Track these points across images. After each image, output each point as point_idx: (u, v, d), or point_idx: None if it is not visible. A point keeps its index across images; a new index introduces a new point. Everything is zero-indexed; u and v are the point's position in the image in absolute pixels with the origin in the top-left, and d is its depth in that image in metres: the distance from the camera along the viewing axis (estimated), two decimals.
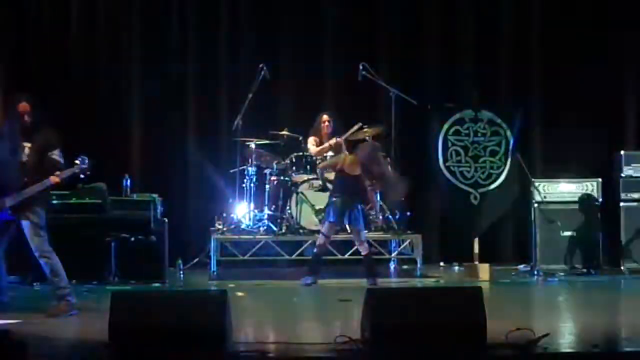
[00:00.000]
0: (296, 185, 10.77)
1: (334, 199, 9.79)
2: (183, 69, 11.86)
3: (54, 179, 7.62)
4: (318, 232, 10.16)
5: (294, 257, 10.78)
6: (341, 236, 10.37)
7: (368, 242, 10.12)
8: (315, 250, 9.99)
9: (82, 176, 7.84)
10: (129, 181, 10.20)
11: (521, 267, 11.18)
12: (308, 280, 9.72)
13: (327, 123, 10.94)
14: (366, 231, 10.21)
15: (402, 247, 11.08)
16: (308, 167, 10.88)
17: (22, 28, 11.59)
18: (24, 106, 7.67)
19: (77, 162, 7.70)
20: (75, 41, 11.71)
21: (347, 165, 9.77)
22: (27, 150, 7.64)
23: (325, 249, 10.00)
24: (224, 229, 10.89)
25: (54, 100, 10.30)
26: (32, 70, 11.39)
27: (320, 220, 10.33)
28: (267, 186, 11.00)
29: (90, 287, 9.25)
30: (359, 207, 9.86)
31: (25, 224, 7.62)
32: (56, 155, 7.72)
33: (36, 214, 7.64)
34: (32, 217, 7.62)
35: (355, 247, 10.19)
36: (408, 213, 11.13)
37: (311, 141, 11.15)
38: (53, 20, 11.68)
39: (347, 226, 10.02)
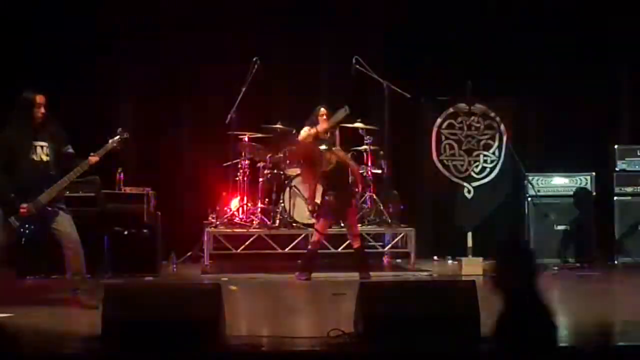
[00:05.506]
0: (289, 178, 10.76)
1: (327, 197, 9.77)
2: (176, 62, 11.83)
3: (92, 159, 7.65)
4: (311, 225, 10.16)
5: (287, 250, 10.75)
6: (335, 230, 10.36)
7: (361, 235, 10.11)
8: (309, 246, 9.99)
9: (119, 149, 7.96)
10: (122, 175, 10.18)
11: None
12: (302, 277, 9.71)
13: (325, 117, 10.85)
14: (360, 225, 10.22)
15: (395, 240, 11.08)
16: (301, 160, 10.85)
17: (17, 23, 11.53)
18: (40, 98, 7.58)
19: (109, 138, 7.86)
20: (69, 35, 11.66)
21: (327, 160, 9.76)
22: (43, 149, 7.59)
23: (319, 246, 10.00)
24: (217, 222, 10.88)
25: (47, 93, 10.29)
26: (25, 64, 11.33)
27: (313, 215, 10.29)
28: (260, 180, 10.99)
29: None
30: (352, 202, 9.88)
31: (65, 216, 7.64)
32: (70, 149, 7.73)
33: (65, 205, 7.73)
34: (65, 209, 7.71)
35: (349, 241, 10.17)
36: (401, 207, 11.13)
37: (306, 129, 11.06)
38: (47, 14, 11.62)
39: (341, 221, 10.04)
